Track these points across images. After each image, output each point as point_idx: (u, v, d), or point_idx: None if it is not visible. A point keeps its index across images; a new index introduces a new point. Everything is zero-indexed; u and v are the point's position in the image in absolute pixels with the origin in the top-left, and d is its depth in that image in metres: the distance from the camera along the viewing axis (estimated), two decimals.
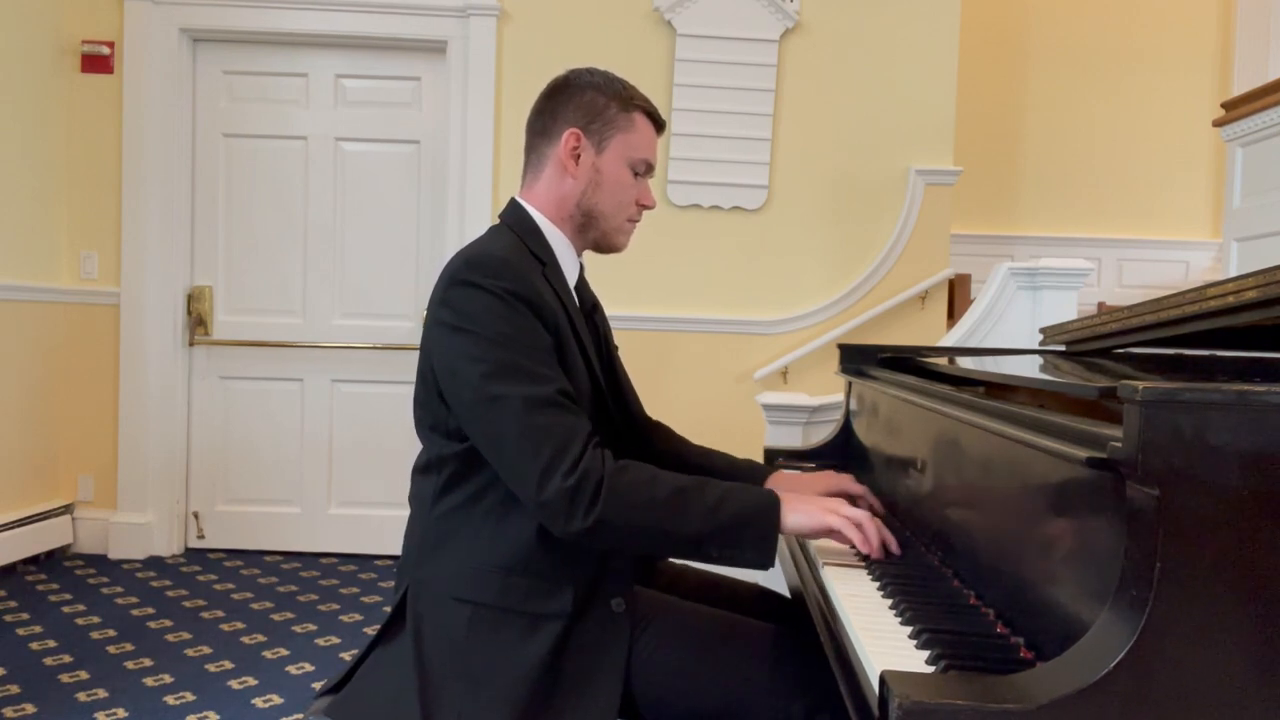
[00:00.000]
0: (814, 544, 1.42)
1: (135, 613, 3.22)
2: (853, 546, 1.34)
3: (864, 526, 1.30)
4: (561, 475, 1.20)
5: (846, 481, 1.61)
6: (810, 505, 1.29)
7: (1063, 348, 1.93)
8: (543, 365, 1.27)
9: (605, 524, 1.20)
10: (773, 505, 1.27)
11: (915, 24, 3.89)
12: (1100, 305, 4.54)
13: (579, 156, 1.42)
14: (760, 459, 1.94)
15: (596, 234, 1.47)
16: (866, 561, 1.30)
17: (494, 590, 1.30)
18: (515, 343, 1.26)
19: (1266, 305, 1.17)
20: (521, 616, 1.30)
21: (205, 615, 3.21)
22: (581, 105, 1.42)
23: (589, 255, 1.53)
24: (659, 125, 1.48)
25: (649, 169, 1.47)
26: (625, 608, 1.33)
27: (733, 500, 1.26)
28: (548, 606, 1.30)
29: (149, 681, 2.65)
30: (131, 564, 3.80)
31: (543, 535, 1.29)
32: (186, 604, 3.33)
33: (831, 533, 1.29)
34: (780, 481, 1.60)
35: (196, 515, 4.01)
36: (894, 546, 1.33)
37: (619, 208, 1.45)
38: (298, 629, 3.11)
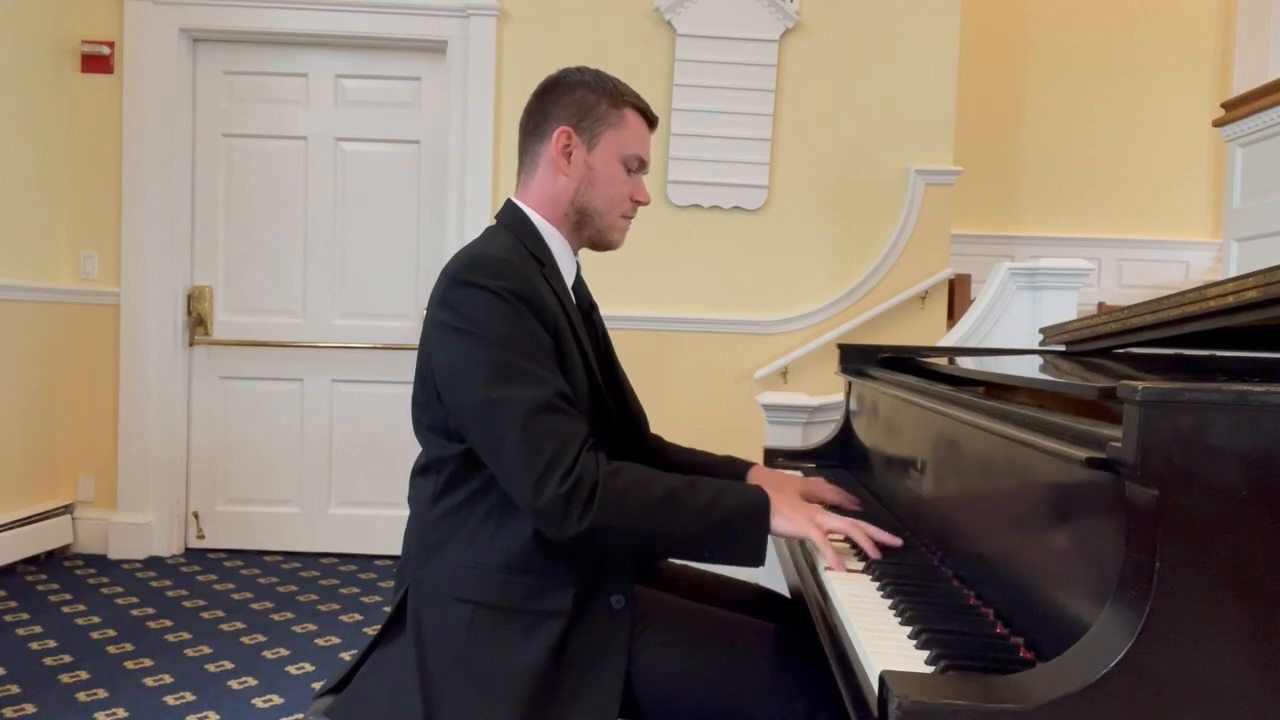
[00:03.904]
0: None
1: (135, 613, 3.22)
2: (853, 546, 1.35)
3: (851, 535, 1.31)
4: (557, 481, 1.20)
5: (818, 485, 1.59)
6: (797, 513, 1.29)
7: (1063, 348, 1.93)
8: (542, 367, 1.27)
9: (600, 527, 1.21)
10: (763, 505, 1.28)
11: (915, 24, 3.89)
12: (1100, 305, 4.54)
13: (570, 154, 1.43)
14: (760, 459, 1.94)
15: (591, 231, 1.47)
16: (866, 561, 1.31)
17: (494, 589, 1.30)
18: (515, 344, 1.26)
19: (1266, 305, 1.17)
20: (522, 615, 1.30)
21: (205, 615, 3.21)
22: (572, 103, 1.43)
23: (587, 255, 1.54)
24: (651, 121, 1.49)
25: (642, 165, 1.47)
26: (625, 605, 1.33)
27: (724, 500, 1.27)
28: (548, 605, 1.30)
29: (149, 681, 2.65)
30: (131, 564, 3.80)
31: (542, 534, 1.29)
32: (186, 604, 3.33)
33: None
34: (756, 478, 1.59)
35: (196, 515, 4.01)
36: (881, 539, 1.31)
37: (612, 204, 1.45)
38: (298, 629, 3.11)
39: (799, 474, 1.80)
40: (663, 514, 1.24)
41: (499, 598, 1.30)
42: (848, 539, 1.35)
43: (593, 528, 1.21)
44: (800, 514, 1.29)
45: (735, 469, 1.63)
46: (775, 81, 3.86)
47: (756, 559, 1.27)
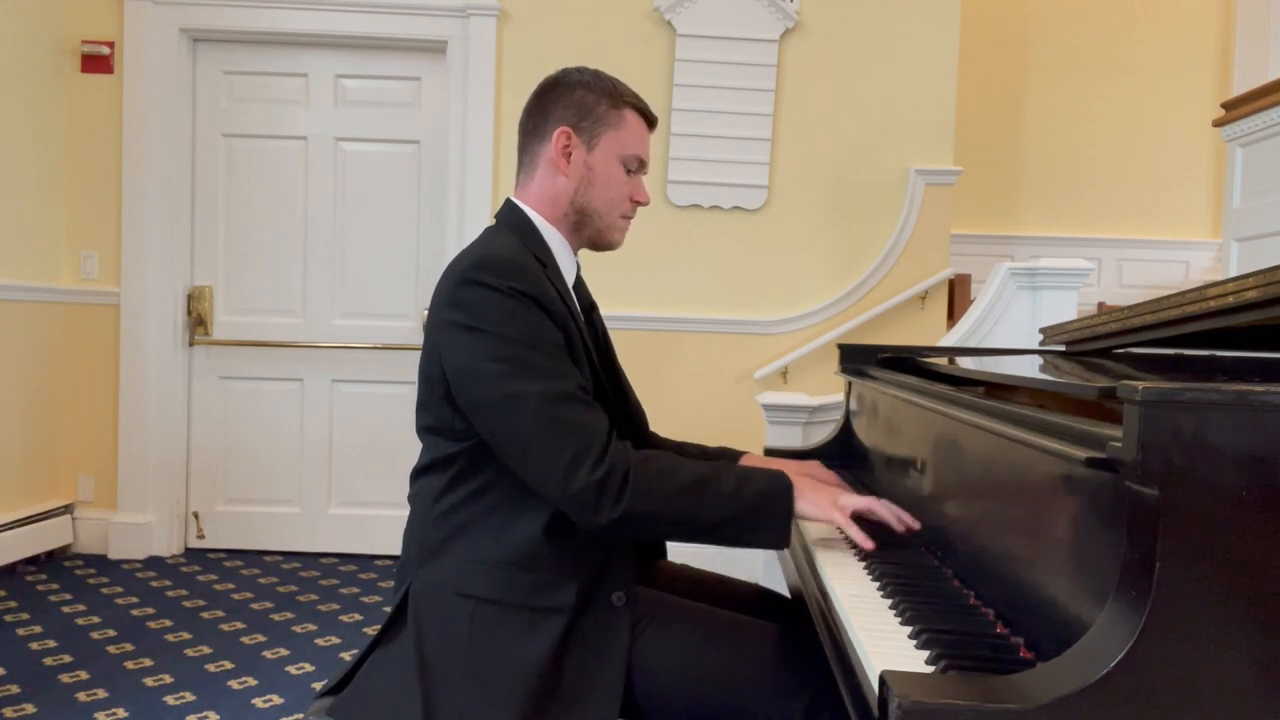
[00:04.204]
0: (811, 532, 1.43)
1: (135, 613, 3.22)
2: (853, 547, 1.35)
3: (876, 511, 1.34)
4: (588, 469, 1.22)
5: (815, 471, 1.62)
6: (820, 495, 1.32)
7: (1063, 348, 1.93)
8: (558, 361, 1.29)
9: (632, 514, 1.23)
10: (787, 490, 1.30)
11: (915, 24, 3.89)
12: (1100, 305, 4.54)
13: (570, 155, 1.43)
14: None
15: (591, 231, 1.47)
16: (866, 561, 1.31)
17: (499, 585, 1.31)
18: (530, 340, 1.27)
19: (1266, 305, 1.17)
20: (525, 611, 1.30)
21: (205, 615, 3.21)
22: (571, 103, 1.43)
23: (587, 255, 1.54)
24: (650, 122, 1.50)
25: (641, 165, 1.48)
26: (626, 602, 1.34)
27: (750, 486, 1.29)
28: (551, 600, 1.30)
29: (149, 681, 2.65)
30: (131, 564, 3.80)
31: (548, 529, 1.30)
32: (186, 604, 3.33)
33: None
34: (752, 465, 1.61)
35: (196, 515, 4.01)
36: (905, 518, 1.36)
37: (612, 204, 1.46)
38: (298, 629, 3.11)
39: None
40: (692, 500, 1.26)
41: (503, 593, 1.30)
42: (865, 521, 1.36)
43: (625, 515, 1.23)
44: (823, 496, 1.32)
45: (729, 459, 1.64)
46: (775, 81, 3.86)
47: (782, 542, 1.29)
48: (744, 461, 1.63)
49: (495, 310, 1.27)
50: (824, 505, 1.31)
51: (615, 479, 1.23)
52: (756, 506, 1.28)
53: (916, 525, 1.36)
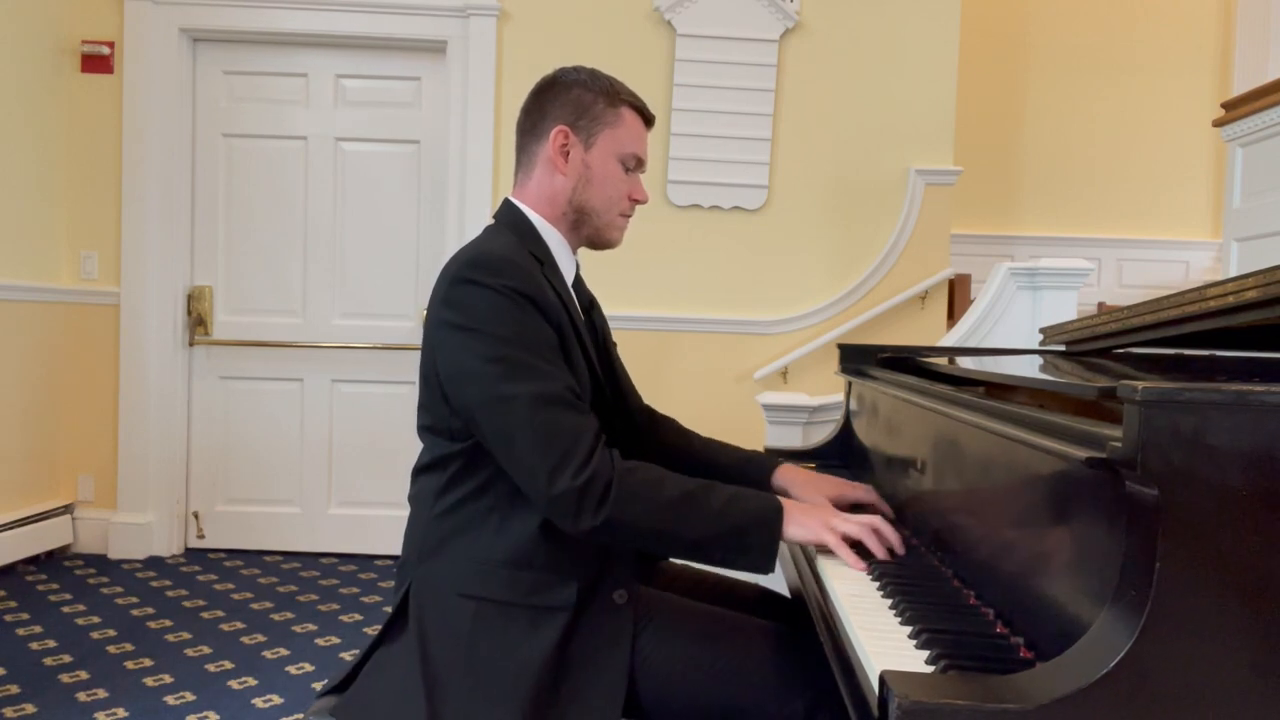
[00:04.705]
0: None
1: (135, 613, 3.22)
2: (854, 547, 1.34)
3: (864, 540, 1.31)
4: (571, 474, 1.21)
5: (850, 488, 1.57)
6: (811, 519, 1.30)
7: (1063, 348, 1.93)
8: (550, 363, 1.28)
9: (613, 523, 1.22)
10: (776, 513, 1.28)
11: (915, 24, 3.89)
12: (1100, 305, 4.54)
13: (568, 153, 1.43)
14: None
15: (590, 230, 1.47)
16: (867, 561, 1.31)
17: (499, 585, 1.31)
18: (522, 341, 1.27)
19: (1266, 305, 1.17)
20: (527, 610, 1.30)
21: (205, 615, 3.21)
22: (569, 102, 1.43)
23: (586, 254, 1.54)
24: (648, 120, 1.49)
25: (639, 163, 1.48)
26: (627, 600, 1.34)
27: (738, 506, 1.27)
28: (552, 599, 1.30)
29: (149, 681, 2.65)
30: (131, 564, 3.80)
31: (547, 529, 1.30)
32: (186, 604, 3.33)
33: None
34: (785, 476, 1.57)
35: (196, 515, 4.01)
36: (898, 548, 1.34)
37: (610, 203, 1.46)
38: (298, 629, 3.11)
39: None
40: (676, 515, 1.25)
41: (504, 593, 1.30)
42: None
43: (607, 522, 1.22)
44: (814, 519, 1.30)
45: (762, 467, 1.59)
46: (775, 81, 3.86)
47: (765, 567, 1.27)
48: (780, 473, 1.57)
49: (488, 309, 1.27)
50: (815, 528, 1.29)
51: (597, 486, 1.22)
52: (741, 528, 1.26)
53: (902, 551, 1.34)
